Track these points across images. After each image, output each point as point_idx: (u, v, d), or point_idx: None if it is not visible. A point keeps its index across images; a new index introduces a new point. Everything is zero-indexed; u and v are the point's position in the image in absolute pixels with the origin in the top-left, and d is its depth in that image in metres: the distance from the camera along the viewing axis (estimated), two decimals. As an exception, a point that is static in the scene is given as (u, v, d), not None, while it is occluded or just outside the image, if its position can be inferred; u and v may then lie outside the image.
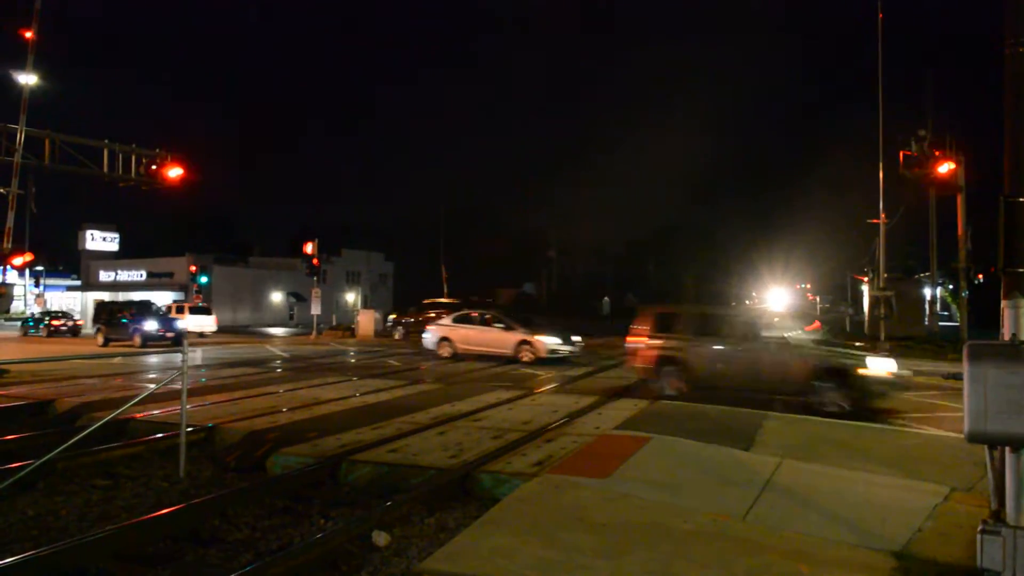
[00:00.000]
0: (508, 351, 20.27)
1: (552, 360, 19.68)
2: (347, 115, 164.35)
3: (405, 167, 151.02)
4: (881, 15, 25.75)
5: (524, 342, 20.07)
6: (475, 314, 22.56)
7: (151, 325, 30.79)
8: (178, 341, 31.04)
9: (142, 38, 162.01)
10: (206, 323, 41.44)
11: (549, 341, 20.02)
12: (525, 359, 19.82)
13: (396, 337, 34.14)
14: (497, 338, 20.72)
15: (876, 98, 26.23)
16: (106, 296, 53.06)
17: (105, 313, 33.16)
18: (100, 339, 31.91)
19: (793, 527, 5.78)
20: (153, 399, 10.06)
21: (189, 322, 41.56)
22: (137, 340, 30.25)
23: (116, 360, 20.01)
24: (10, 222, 18.70)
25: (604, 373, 18.37)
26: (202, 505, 6.50)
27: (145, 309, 33.57)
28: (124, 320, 31.25)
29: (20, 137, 19.45)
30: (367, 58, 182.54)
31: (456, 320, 22.49)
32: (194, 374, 17.09)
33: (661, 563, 4.94)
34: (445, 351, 21.77)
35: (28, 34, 18.72)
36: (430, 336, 22.74)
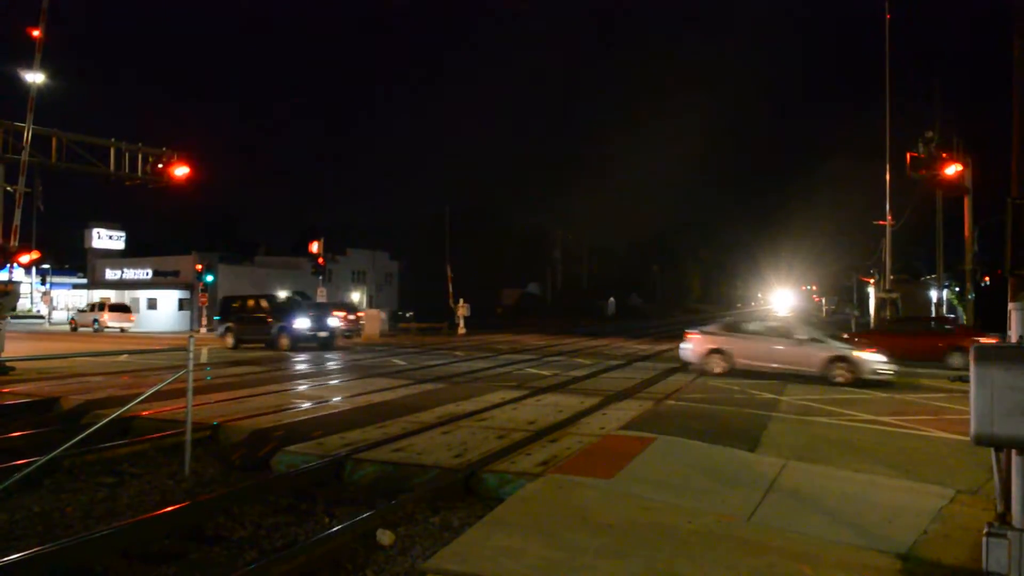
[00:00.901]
0: (813, 369, 16.52)
1: (873, 383, 15.84)
2: (351, 114, 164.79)
3: (410, 167, 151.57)
4: (888, 16, 25.77)
5: (839, 359, 16.38)
6: (759, 322, 19.14)
7: (302, 323, 24.98)
8: (328, 344, 25.85)
9: (146, 38, 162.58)
10: (126, 322, 42.94)
11: (873, 359, 16.25)
12: (839, 380, 15.94)
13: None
14: (797, 352, 16.87)
15: (884, 100, 26.23)
16: (111, 295, 53.21)
17: (236, 309, 27.08)
18: (230, 341, 26.00)
19: (798, 528, 5.77)
20: (158, 397, 10.08)
21: (108, 320, 42.65)
22: (285, 342, 24.61)
23: (122, 357, 20.05)
24: (17, 220, 18.78)
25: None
26: (207, 503, 6.51)
27: (290, 303, 27.65)
28: (265, 318, 25.70)
29: (27, 135, 19.51)
30: (369, 57, 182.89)
31: (727, 328, 18.66)
32: (199, 373, 17.13)
33: (665, 563, 4.93)
34: (717, 366, 17.60)
35: (35, 32, 18.79)
36: (692, 347, 18.32)
